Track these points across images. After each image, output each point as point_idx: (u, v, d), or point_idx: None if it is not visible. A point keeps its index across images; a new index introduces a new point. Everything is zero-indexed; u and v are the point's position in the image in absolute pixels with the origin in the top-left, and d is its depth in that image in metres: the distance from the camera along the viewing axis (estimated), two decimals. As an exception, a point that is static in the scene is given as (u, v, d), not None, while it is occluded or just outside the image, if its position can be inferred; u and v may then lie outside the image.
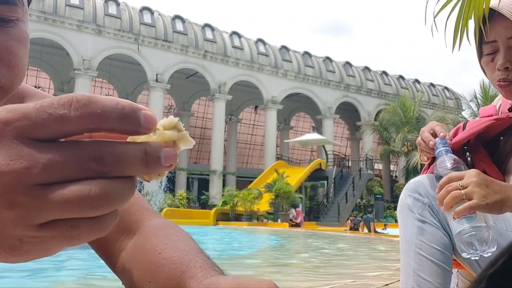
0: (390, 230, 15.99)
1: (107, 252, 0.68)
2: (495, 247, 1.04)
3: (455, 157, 1.17)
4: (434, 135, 1.26)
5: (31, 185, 0.24)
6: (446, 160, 1.16)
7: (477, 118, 1.46)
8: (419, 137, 1.31)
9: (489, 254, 1.04)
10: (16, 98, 0.68)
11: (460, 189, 1.06)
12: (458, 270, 1.40)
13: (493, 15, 1.22)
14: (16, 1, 0.51)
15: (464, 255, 1.08)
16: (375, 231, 15.85)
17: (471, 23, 1.31)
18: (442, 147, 1.19)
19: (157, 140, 0.28)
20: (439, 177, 1.14)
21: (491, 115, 1.35)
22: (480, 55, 1.31)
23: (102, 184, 0.25)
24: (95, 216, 0.25)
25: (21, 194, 0.24)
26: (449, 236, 1.24)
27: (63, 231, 0.25)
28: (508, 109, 1.32)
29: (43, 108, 0.26)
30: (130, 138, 0.27)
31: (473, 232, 1.05)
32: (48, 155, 0.24)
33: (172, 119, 0.29)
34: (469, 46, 1.40)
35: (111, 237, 0.66)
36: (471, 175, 1.08)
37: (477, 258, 1.07)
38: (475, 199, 1.04)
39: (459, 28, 1.32)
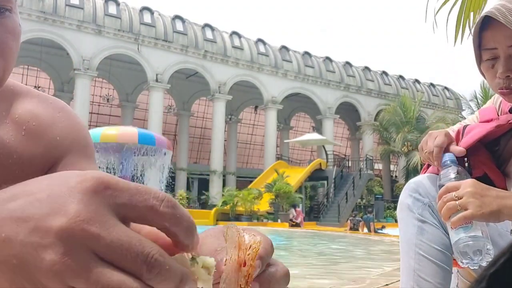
0: (389, 230, 15.98)
1: None
2: (492, 257, 1.04)
3: (459, 168, 1.18)
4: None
5: (91, 251, 0.25)
6: (450, 171, 1.17)
7: (476, 118, 1.45)
8: (425, 145, 1.31)
9: (486, 263, 1.03)
10: (9, 95, 0.67)
11: (455, 200, 1.07)
12: (458, 270, 1.40)
13: (492, 22, 1.21)
14: None
15: (461, 264, 1.08)
16: (375, 231, 15.85)
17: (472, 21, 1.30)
18: (448, 158, 1.20)
19: (192, 269, 0.30)
20: (441, 187, 1.15)
21: (491, 119, 1.34)
22: (479, 59, 1.30)
23: (140, 286, 0.26)
24: None
25: (78, 253, 0.25)
26: (449, 236, 1.23)
27: None
28: (509, 110, 1.32)
29: (141, 191, 0.28)
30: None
31: (470, 242, 1.05)
32: (119, 234, 0.26)
33: (211, 263, 0.31)
34: (468, 44, 1.38)
35: None
36: (466, 185, 1.09)
37: (476, 267, 1.07)
38: (470, 209, 1.05)
39: (461, 22, 1.31)
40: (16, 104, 0.68)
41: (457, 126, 1.45)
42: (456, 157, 1.24)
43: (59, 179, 0.28)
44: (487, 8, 1.26)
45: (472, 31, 1.30)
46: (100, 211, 0.26)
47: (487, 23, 1.22)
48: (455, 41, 1.34)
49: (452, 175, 1.15)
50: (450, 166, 1.18)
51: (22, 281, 0.26)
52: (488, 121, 1.34)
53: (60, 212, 0.26)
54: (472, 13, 1.31)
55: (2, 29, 0.51)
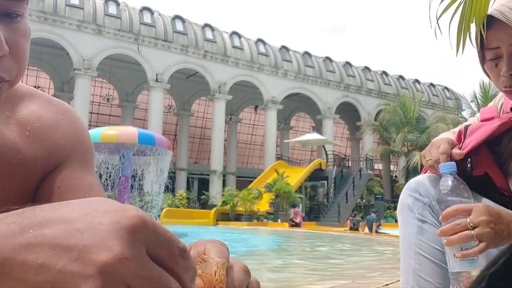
0: (389, 230, 15.97)
1: None
2: None
3: (458, 178, 1.15)
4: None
5: (126, 285, 0.27)
6: (449, 181, 1.14)
7: (477, 120, 1.45)
8: (428, 154, 1.29)
9: None
10: (14, 96, 0.68)
11: (470, 229, 1.02)
12: None
13: (495, 21, 1.22)
14: None
15: None
16: (377, 231, 15.83)
17: (473, 26, 1.31)
18: (447, 169, 1.16)
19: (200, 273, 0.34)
20: (441, 201, 1.13)
21: (492, 117, 1.34)
22: (483, 60, 1.31)
23: None
24: None
25: (114, 284, 0.26)
26: (449, 236, 1.23)
27: None
28: (511, 109, 1.32)
29: (168, 237, 0.30)
30: None
31: (474, 277, 0.99)
32: (153, 271, 0.28)
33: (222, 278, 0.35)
34: (468, 46, 1.40)
35: None
36: (479, 211, 1.04)
37: None
38: (485, 241, 1.01)
39: (462, 31, 1.32)
40: (21, 105, 0.68)
41: (459, 129, 1.45)
42: (459, 159, 1.25)
43: (97, 209, 0.29)
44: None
45: (473, 36, 1.31)
46: (140, 250, 0.28)
47: (489, 23, 1.23)
48: (457, 51, 1.35)
49: (450, 183, 1.13)
50: (450, 175, 1.15)
51: None
52: (489, 119, 1.35)
53: (104, 247, 0.27)
54: (473, 24, 1.32)
55: (15, 33, 0.53)
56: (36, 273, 0.26)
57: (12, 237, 0.27)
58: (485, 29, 1.23)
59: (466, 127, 1.38)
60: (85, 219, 0.28)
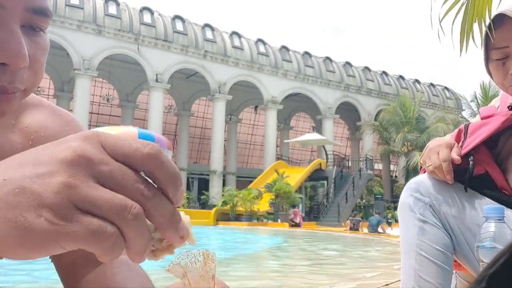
0: (389, 231, 15.96)
1: (70, 275, 0.70)
2: None
3: (503, 224, 1.00)
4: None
5: (92, 175, 0.29)
6: (492, 225, 0.99)
7: (478, 118, 1.45)
8: (428, 160, 1.29)
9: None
10: (20, 104, 0.68)
11: None
12: (455, 271, 1.40)
13: (502, 21, 1.22)
14: (50, 13, 0.55)
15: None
16: (378, 232, 15.80)
17: (476, 27, 1.32)
18: (493, 213, 1.00)
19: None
20: (481, 248, 0.99)
21: (492, 115, 1.35)
22: (487, 59, 1.30)
23: (115, 231, 0.28)
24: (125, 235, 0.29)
25: (83, 176, 0.28)
26: (450, 236, 1.23)
27: (94, 227, 0.27)
28: (508, 107, 1.32)
29: (132, 141, 0.31)
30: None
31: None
32: (113, 163, 0.30)
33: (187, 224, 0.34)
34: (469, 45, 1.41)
35: (80, 262, 0.69)
36: None
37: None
38: None
39: (465, 32, 1.32)
40: (26, 113, 0.69)
41: (459, 128, 1.45)
42: (461, 156, 1.25)
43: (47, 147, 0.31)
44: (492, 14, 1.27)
45: (477, 37, 1.32)
46: (99, 148, 0.30)
47: (497, 23, 1.23)
48: (460, 51, 1.36)
49: (492, 229, 0.99)
50: (494, 220, 1.00)
51: (22, 213, 0.27)
52: (489, 117, 1.35)
53: (62, 147, 0.30)
54: (476, 23, 1.33)
55: (36, 46, 0.55)
56: (1, 187, 0.28)
57: None
58: (497, 28, 1.23)
59: (466, 126, 1.38)
60: (45, 145, 0.31)
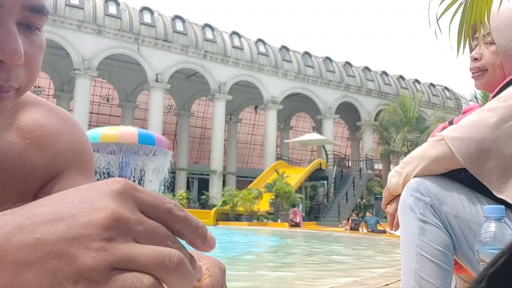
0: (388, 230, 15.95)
1: None
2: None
3: (504, 223, 1.00)
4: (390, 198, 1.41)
5: (129, 236, 0.28)
6: (492, 225, 0.99)
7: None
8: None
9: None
10: (16, 103, 0.67)
11: None
12: (456, 275, 1.41)
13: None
14: (46, 12, 0.54)
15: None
16: (375, 231, 15.82)
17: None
18: (494, 212, 0.99)
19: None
20: (480, 250, 0.99)
21: (472, 108, 1.45)
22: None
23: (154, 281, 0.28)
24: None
25: (123, 237, 0.28)
26: (451, 236, 1.23)
27: (128, 283, 0.27)
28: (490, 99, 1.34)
29: (160, 196, 0.31)
30: None
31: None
32: (151, 224, 0.29)
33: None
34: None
35: None
36: None
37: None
38: None
39: (462, 33, 1.35)
40: (23, 112, 0.68)
41: (443, 125, 1.51)
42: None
43: (87, 187, 0.30)
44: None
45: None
46: (132, 207, 0.29)
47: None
48: (457, 51, 1.41)
49: (492, 229, 0.98)
50: (494, 220, 0.99)
51: (59, 279, 0.26)
52: (469, 110, 1.44)
53: (96, 209, 0.28)
54: (475, 25, 1.39)
55: (32, 45, 0.54)
56: (34, 247, 0.26)
57: (4, 224, 0.27)
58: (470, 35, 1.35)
59: (451, 121, 1.43)
60: (76, 195, 0.29)
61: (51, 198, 0.30)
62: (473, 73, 1.43)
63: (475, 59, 1.41)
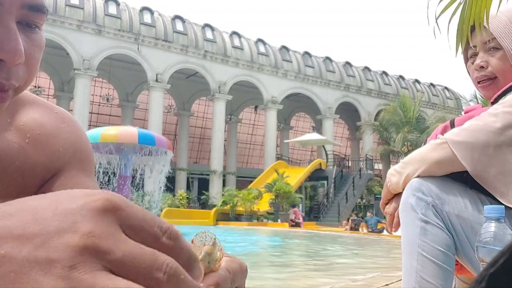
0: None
1: None
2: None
3: (504, 224, 1.00)
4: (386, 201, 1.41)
5: (103, 266, 0.25)
6: (492, 225, 0.99)
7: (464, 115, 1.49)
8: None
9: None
10: (15, 102, 0.67)
11: None
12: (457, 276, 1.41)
13: (473, 26, 1.36)
14: (46, 10, 0.55)
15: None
16: (379, 230, 15.82)
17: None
18: (494, 212, 1.00)
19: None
20: (481, 249, 0.99)
21: (474, 108, 1.44)
22: (466, 61, 1.44)
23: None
24: None
25: (89, 269, 0.24)
26: (452, 236, 1.23)
27: None
28: (491, 102, 1.33)
29: (147, 219, 0.27)
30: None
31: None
32: (132, 247, 0.26)
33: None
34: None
35: None
36: None
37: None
38: None
39: (461, 33, 1.36)
40: (22, 111, 0.68)
41: (444, 124, 1.52)
42: None
43: (65, 198, 0.27)
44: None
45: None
46: (113, 228, 0.26)
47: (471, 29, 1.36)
48: (456, 51, 1.43)
49: (492, 229, 0.98)
50: (494, 220, 0.99)
51: None
52: (472, 110, 1.44)
53: (69, 230, 0.25)
54: (473, 25, 1.41)
55: (32, 43, 0.55)
56: (0, 263, 0.24)
57: None
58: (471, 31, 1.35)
59: (452, 121, 1.43)
60: (50, 207, 0.26)
61: (25, 205, 0.27)
62: (479, 82, 1.38)
63: (481, 67, 1.35)
